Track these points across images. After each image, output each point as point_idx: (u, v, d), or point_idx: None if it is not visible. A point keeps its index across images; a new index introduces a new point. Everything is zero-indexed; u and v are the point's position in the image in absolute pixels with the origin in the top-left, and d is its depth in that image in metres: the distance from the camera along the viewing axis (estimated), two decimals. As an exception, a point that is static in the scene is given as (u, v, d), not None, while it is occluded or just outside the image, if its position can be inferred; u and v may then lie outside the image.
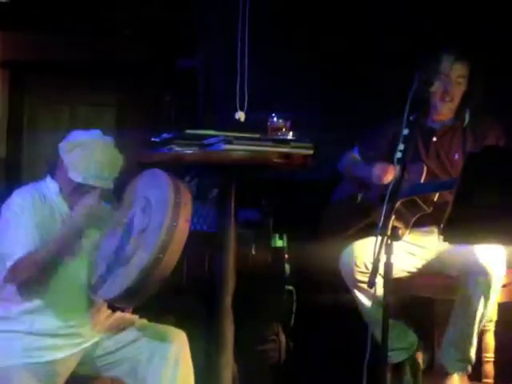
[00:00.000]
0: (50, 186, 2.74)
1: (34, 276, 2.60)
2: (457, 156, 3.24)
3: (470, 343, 2.98)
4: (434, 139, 3.29)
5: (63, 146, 2.70)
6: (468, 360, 3.01)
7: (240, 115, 3.34)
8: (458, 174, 2.95)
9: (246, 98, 3.42)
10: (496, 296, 2.97)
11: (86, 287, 2.68)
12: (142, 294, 2.54)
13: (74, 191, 2.69)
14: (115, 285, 2.55)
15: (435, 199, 3.13)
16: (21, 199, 2.67)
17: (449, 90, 3.22)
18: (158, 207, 2.53)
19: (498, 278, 2.93)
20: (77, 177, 2.66)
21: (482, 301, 2.93)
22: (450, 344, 3.04)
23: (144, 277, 2.46)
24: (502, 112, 3.43)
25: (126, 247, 2.58)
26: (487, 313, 2.97)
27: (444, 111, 3.29)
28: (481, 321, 2.97)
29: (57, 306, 2.65)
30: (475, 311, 2.94)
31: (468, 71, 3.26)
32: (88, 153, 2.67)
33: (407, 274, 3.21)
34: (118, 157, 2.72)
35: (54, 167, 2.75)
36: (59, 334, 2.64)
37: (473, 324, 2.96)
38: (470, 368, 3.04)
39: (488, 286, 2.92)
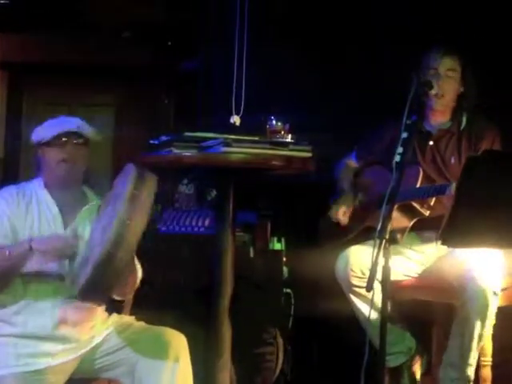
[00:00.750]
0: (34, 181, 2.78)
1: None
2: (453, 160, 3.24)
3: (469, 362, 2.96)
4: (431, 143, 3.29)
5: (33, 135, 2.77)
6: (466, 379, 2.98)
7: (235, 119, 3.34)
8: (455, 178, 2.98)
9: (243, 102, 3.41)
10: (493, 313, 2.94)
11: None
12: (101, 290, 2.51)
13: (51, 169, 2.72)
14: (79, 281, 2.53)
15: (432, 203, 3.12)
16: (3, 193, 2.72)
17: (438, 84, 3.18)
18: (118, 201, 2.50)
19: (494, 295, 2.92)
20: (42, 136, 2.72)
21: (478, 320, 2.91)
22: (447, 363, 3.01)
23: (97, 273, 2.43)
24: (501, 114, 3.43)
25: (93, 243, 2.57)
26: (485, 331, 2.95)
27: (437, 107, 3.27)
28: (479, 340, 2.94)
29: (47, 304, 2.63)
30: (472, 330, 2.92)
31: (459, 66, 3.24)
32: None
33: (405, 278, 3.20)
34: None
35: (38, 164, 2.79)
36: (55, 337, 2.61)
37: (470, 343, 2.93)
38: None
39: (485, 306, 2.91)
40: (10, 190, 2.74)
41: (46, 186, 2.76)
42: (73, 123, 2.76)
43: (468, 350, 2.94)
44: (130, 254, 2.49)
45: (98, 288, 2.49)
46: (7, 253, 2.57)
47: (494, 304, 2.92)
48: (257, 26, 4.04)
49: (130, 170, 2.55)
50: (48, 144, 2.74)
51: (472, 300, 2.91)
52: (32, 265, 2.59)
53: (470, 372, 2.97)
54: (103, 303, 2.69)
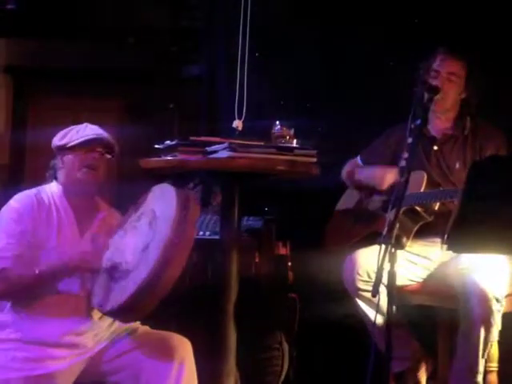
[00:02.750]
0: (52, 188, 2.75)
1: (6, 291, 2.58)
2: (457, 165, 3.23)
3: (477, 371, 2.94)
4: (435, 148, 3.28)
5: (56, 140, 2.76)
6: None
7: (238, 124, 3.34)
8: (459, 182, 2.97)
9: (245, 107, 3.42)
10: (498, 319, 2.93)
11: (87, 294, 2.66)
12: (138, 311, 2.50)
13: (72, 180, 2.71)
14: (112, 298, 2.51)
15: (436, 208, 3.12)
16: (18, 204, 2.68)
17: (440, 87, 3.12)
18: (163, 223, 2.48)
19: (497, 302, 2.91)
20: (70, 139, 2.71)
21: (483, 327, 2.90)
22: (456, 373, 3.00)
23: (141, 293, 2.42)
24: (506, 118, 3.43)
25: (127, 259, 2.53)
26: (491, 338, 2.93)
27: (440, 112, 3.25)
28: (485, 348, 2.93)
29: (56, 313, 2.62)
30: (477, 341, 2.91)
31: (463, 71, 3.23)
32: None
33: (410, 283, 3.20)
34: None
35: (55, 169, 2.78)
36: (61, 344, 2.61)
37: (477, 353, 2.92)
38: None
39: (489, 314, 2.90)
40: (29, 198, 2.70)
41: (64, 192, 2.74)
42: (102, 133, 2.75)
43: (475, 357, 2.92)
44: (174, 279, 2.45)
45: (137, 309, 2.47)
46: (37, 271, 2.57)
47: (497, 311, 2.91)
48: (259, 31, 4.05)
49: (172, 190, 2.54)
50: (73, 149, 2.72)
51: (476, 307, 2.90)
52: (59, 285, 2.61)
53: (480, 379, 2.96)
54: (133, 321, 2.68)
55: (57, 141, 2.77)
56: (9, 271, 2.58)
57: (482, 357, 2.94)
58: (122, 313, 2.51)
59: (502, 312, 2.95)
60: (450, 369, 3.03)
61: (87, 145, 2.71)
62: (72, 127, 2.78)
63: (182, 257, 2.45)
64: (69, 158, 2.73)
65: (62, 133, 2.77)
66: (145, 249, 2.48)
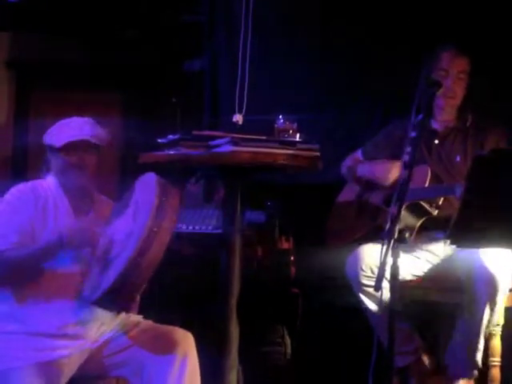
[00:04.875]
0: (48, 179, 2.77)
1: (6, 274, 2.60)
2: (458, 158, 3.23)
3: (477, 348, 2.97)
4: (436, 141, 3.28)
5: (45, 137, 2.76)
6: (474, 365, 3.00)
7: (238, 118, 3.33)
8: (461, 177, 2.97)
9: (245, 101, 3.42)
10: (502, 301, 2.96)
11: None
12: (123, 297, 2.51)
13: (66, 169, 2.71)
14: (97, 287, 2.53)
15: (440, 203, 3.11)
16: (13, 196, 2.70)
17: (449, 86, 3.18)
18: (142, 210, 2.51)
19: (504, 283, 2.92)
20: (54, 141, 2.70)
21: (488, 306, 2.92)
22: (455, 349, 3.03)
23: (122, 280, 2.43)
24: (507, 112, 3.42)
25: (113, 249, 2.56)
26: (494, 318, 2.96)
27: (447, 109, 3.26)
28: (487, 326, 2.95)
29: (54, 305, 2.63)
30: (481, 317, 2.93)
31: (469, 67, 3.23)
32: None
33: (413, 278, 3.20)
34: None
35: (49, 163, 2.79)
36: (59, 335, 2.62)
37: (479, 329, 2.94)
38: (476, 372, 3.03)
39: (494, 292, 2.91)
40: (25, 191, 2.72)
41: (59, 183, 2.76)
42: (85, 131, 2.74)
43: (477, 333, 2.94)
44: (154, 265, 2.47)
45: (120, 295, 2.49)
46: (33, 250, 2.59)
47: (502, 290, 2.91)
48: (262, 26, 4.05)
49: (153, 179, 2.57)
50: (59, 149, 2.73)
51: (482, 286, 2.90)
52: (55, 261, 2.61)
53: (479, 358, 2.97)
54: (119, 312, 2.69)
55: (46, 139, 2.78)
56: (7, 253, 2.59)
57: (483, 335, 2.95)
58: (105, 300, 2.51)
59: (505, 296, 2.96)
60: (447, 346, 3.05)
61: (71, 145, 2.71)
62: (61, 122, 2.78)
63: (162, 244, 2.46)
64: (57, 157, 2.75)
65: (50, 130, 2.78)
66: (128, 236, 2.50)
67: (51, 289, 2.64)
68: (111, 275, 2.47)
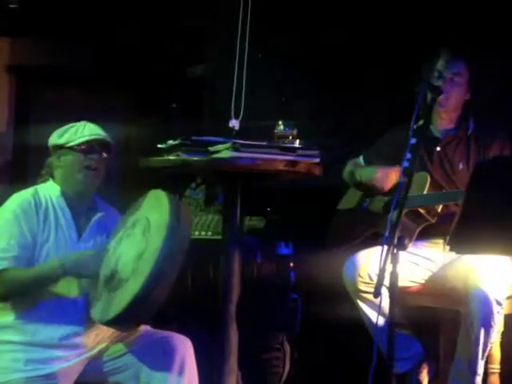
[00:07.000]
0: (50, 187, 2.73)
1: (6, 292, 2.58)
2: (461, 166, 3.22)
3: (476, 371, 2.93)
4: (438, 149, 3.27)
5: (53, 138, 2.73)
6: None
7: (234, 124, 3.33)
8: (463, 184, 2.96)
9: (242, 107, 3.42)
10: (499, 321, 2.93)
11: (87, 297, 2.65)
12: (134, 321, 2.50)
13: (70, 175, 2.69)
14: (109, 309, 2.49)
15: (439, 210, 3.11)
16: (16, 205, 2.65)
17: (443, 88, 3.08)
18: (156, 233, 2.45)
19: (499, 305, 2.90)
20: (68, 139, 2.68)
21: (483, 328, 2.89)
22: (455, 373, 2.99)
23: (135, 304, 2.40)
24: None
25: (122, 270, 2.50)
26: (490, 340, 2.92)
27: (440, 111, 3.25)
28: (484, 349, 2.92)
29: (57, 315, 2.61)
30: (477, 340, 2.90)
31: (467, 71, 3.22)
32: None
33: (412, 285, 3.19)
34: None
35: (52, 168, 2.76)
36: (62, 345, 2.61)
37: (476, 353, 2.91)
38: None
39: (489, 314, 2.89)
40: (26, 199, 2.67)
41: (62, 192, 2.71)
42: (101, 131, 2.73)
43: (475, 358, 2.92)
44: (169, 287, 2.44)
45: (132, 319, 2.47)
46: (34, 275, 2.56)
47: (498, 313, 2.90)
48: (260, 32, 4.06)
49: (164, 196, 2.52)
50: (72, 149, 2.70)
51: (476, 309, 2.89)
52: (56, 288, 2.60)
53: (479, 380, 2.95)
54: (132, 330, 2.68)
55: (54, 139, 2.73)
56: (8, 272, 2.56)
57: (482, 359, 2.93)
58: (118, 323, 2.50)
59: (502, 314, 2.95)
60: (450, 370, 3.03)
61: (87, 145, 2.69)
62: (70, 125, 2.74)
63: (175, 267, 2.43)
64: (67, 157, 2.70)
65: (59, 131, 2.74)
66: (139, 258, 2.46)
67: (52, 300, 2.62)
68: (125, 298, 2.42)
